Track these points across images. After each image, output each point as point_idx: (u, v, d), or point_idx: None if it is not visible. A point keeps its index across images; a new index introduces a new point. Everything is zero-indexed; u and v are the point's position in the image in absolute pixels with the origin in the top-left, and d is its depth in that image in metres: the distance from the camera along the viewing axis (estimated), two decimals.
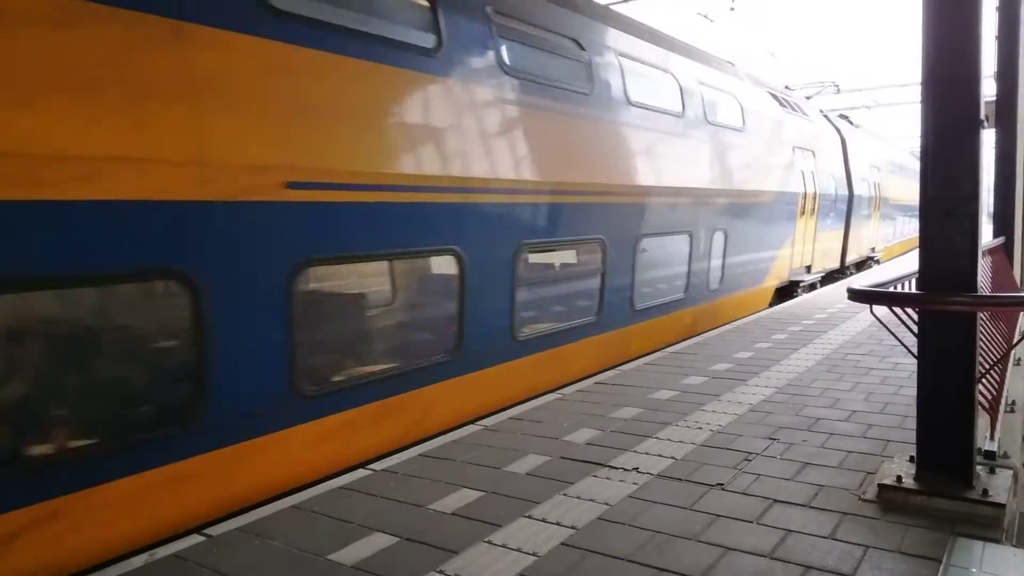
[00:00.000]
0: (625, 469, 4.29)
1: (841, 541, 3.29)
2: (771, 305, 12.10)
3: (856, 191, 16.88)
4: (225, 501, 4.10)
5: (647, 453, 4.55)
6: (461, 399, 5.73)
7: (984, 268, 5.79)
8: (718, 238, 10.04)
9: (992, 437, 4.11)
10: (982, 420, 4.00)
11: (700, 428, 5.03)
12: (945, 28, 3.51)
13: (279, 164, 4.29)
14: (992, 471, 3.78)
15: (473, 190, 5.70)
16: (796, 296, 12.94)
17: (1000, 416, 4.38)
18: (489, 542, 3.40)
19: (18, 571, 3.30)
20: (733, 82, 11.20)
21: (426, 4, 5.55)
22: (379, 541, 3.46)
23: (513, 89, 6.19)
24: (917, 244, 3.73)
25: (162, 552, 3.43)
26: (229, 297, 4.08)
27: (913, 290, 3.85)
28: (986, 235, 6.91)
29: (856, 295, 3.69)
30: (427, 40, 5.45)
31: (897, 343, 4.15)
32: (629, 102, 7.78)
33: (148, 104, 3.71)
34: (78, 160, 3.45)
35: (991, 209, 9.81)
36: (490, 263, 5.94)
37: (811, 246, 14.06)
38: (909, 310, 3.70)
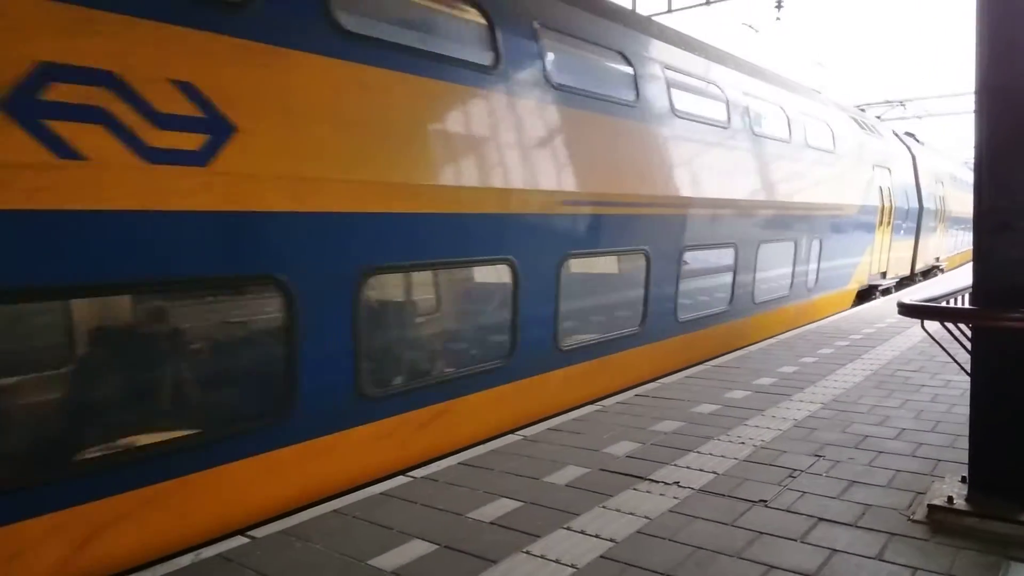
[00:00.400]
0: (666, 483, 4.25)
1: (888, 563, 3.21)
2: (852, 306, 13.67)
3: (925, 204, 18.12)
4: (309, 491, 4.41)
5: (688, 467, 4.50)
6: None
7: None
8: (815, 246, 11.65)
9: None
10: None
11: (743, 443, 4.96)
12: (1000, 36, 3.42)
13: (559, 189, 6.24)
14: None
15: (655, 204, 7.60)
16: (873, 299, 14.49)
17: None
18: (528, 552, 3.40)
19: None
20: (825, 109, 12.99)
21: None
22: (418, 548, 3.48)
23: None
24: None
25: (208, 552, 3.51)
26: (532, 274, 5.94)
27: (966, 305, 3.75)
28: None
29: (907, 310, 3.61)
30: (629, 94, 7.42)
31: (949, 360, 4.04)
32: (754, 134, 9.77)
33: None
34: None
35: None
36: (665, 258, 7.82)
37: (887, 254, 15.38)
38: (962, 325, 3.61)
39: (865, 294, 14.45)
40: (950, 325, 3.62)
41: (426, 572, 3.24)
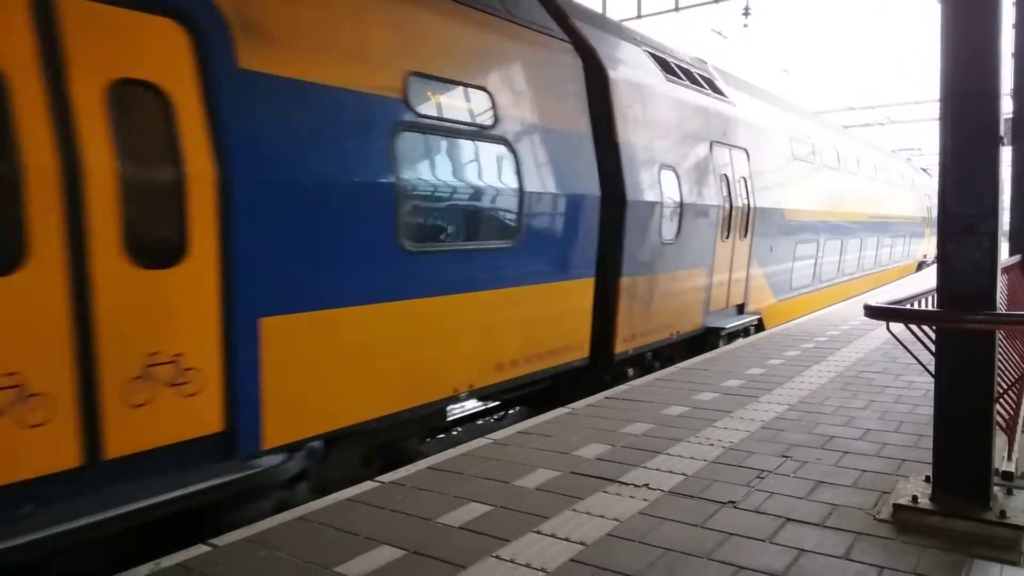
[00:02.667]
0: (636, 485, 4.24)
1: (855, 561, 3.23)
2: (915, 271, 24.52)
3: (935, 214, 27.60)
4: None
5: (658, 469, 4.51)
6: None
7: (1001, 286, 5.72)
8: (907, 231, 23.26)
9: (1010, 458, 4.05)
10: (1000, 440, 3.93)
11: (712, 445, 4.98)
12: (965, 43, 3.48)
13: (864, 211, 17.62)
14: (1010, 492, 3.71)
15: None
16: (924, 267, 25.86)
17: (1018, 436, 4.31)
18: (497, 557, 3.36)
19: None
20: (899, 162, 25.23)
21: None
22: (386, 554, 3.42)
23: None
24: None
25: (167, 562, 3.41)
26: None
27: (931, 307, 3.80)
28: (1002, 253, 6.86)
29: (873, 312, 3.64)
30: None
31: (912, 361, 4.09)
32: (881, 181, 20.27)
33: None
34: None
35: (1007, 227, 9.71)
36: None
37: (929, 243, 26.27)
38: (926, 328, 3.66)
39: (920, 266, 25.93)
40: (914, 327, 3.66)
41: None
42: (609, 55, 7.94)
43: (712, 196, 9.61)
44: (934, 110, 3.60)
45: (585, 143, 7.25)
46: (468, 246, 5.89)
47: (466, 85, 5.91)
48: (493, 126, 6.09)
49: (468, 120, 5.91)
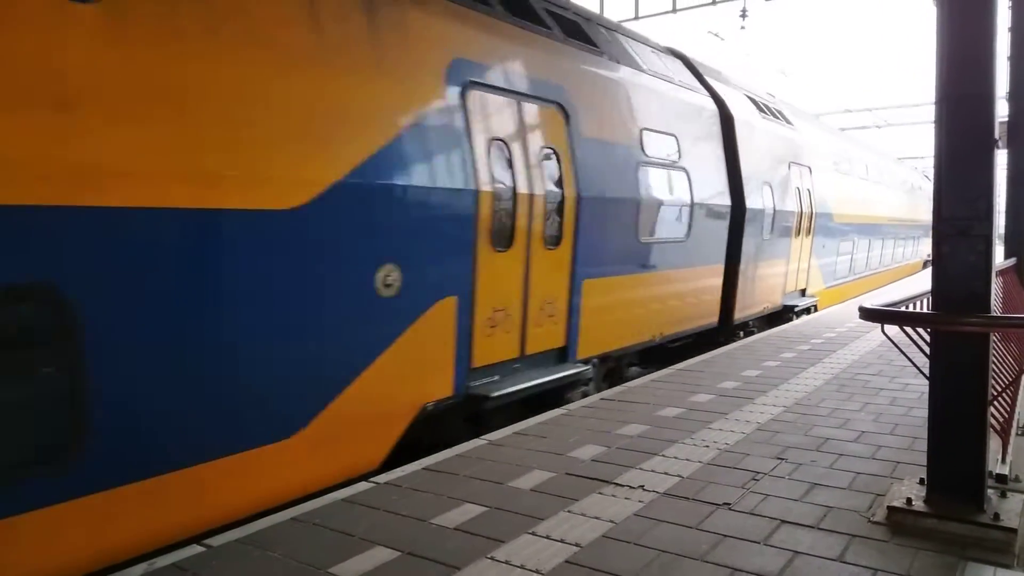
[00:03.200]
0: (631, 487, 4.24)
1: (850, 564, 3.24)
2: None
3: None
4: None
5: (653, 471, 4.51)
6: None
7: (995, 289, 5.74)
8: (918, 233, 25.50)
9: (1004, 460, 4.05)
10: (993, 443, 3.94)
11: (707, 446, 4.98)
12: (960, 46, 3.49)
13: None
14: (1004, 495, 3.72)
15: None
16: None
17: (1012, 439, 4.32)
18: (492, 558, 3.36)
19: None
20: (908, 170, 28.10)
21: None
22: (380, 555, 3.42)
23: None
24: None
25: (161, 562, 3.40)
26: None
27: (926, 310, 3.81)
28: (997, 256, 6.87)
29: (868, 314, 3.65)
30: None
31: (907, 364, 4.10)
32: (903, 190, 24.26)
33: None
34: None
35: (1002, 231, 9.74)
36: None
37: None
38: (921, 330, 3.66)
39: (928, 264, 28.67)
40: (909, 330, 3.67)
41: None
42: (730, 101, 10.88)
43: (791, 204, 12.62)
44: (930, 113, 3.61)
45: (723, 168, 10.38)
46: (668, 239, 8.96)
47: (665, 134, 8.90)
48: (679, 160, 9.10)
49: (667, 157, 8.89)
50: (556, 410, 6.09)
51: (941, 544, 3.40)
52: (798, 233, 13.06)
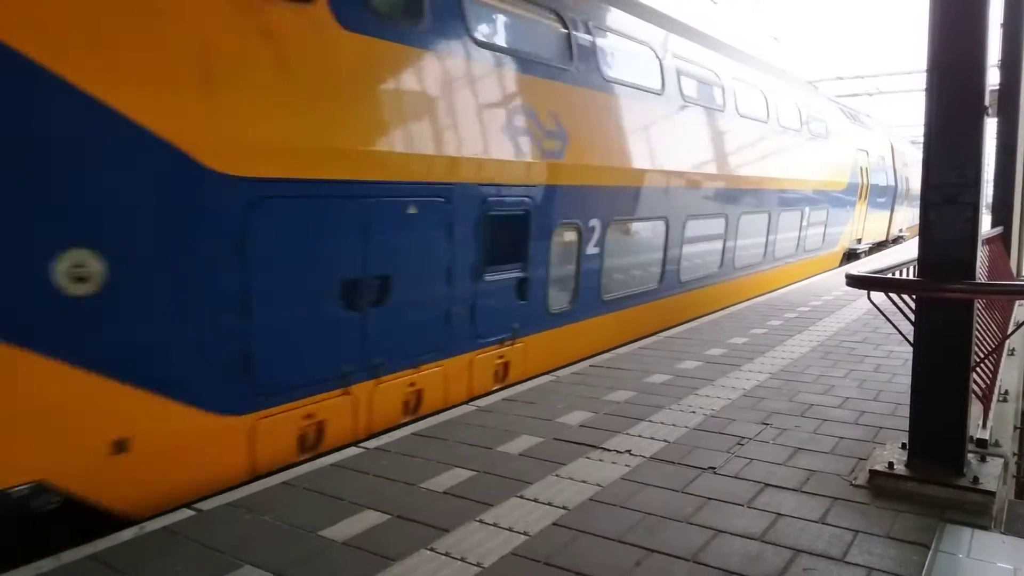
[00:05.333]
0: (618, 451, 4.29)
1: (831, 525, 3.30)
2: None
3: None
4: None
5: (640, 436, 4.56)
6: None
7: (981, 257, 5.79)
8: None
9: (984, 426, 4.12)
10: (975, 409, 4.00)
11: (693, 412, 5.04)
12: (952, 13, 3.46)
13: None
14: (983, 459, 3.78)
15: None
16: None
17: (993, 405, 4.39)
18: (480, 521, 3.40)
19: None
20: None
21: None
22: (370, 518, 3.46)
23: None
24: None
25: (152, 526, 3.43)
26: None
27: (912, 277, 3.83)
28: (984, 225, 6.92)
29: (854, 281, 3.67)
30: None
31: (891, 332, 4.14)
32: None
33: None
34: None
35: (989, 200, 9.79)
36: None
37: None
38: (907, 297, 3.69)
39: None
40: (895, 297, 3.70)
41: (378, 542, 3.22)
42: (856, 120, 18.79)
43: (855, 177, 17.19)
44: (922, 81, 3.59)
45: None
46: (883, 200, 20.39)
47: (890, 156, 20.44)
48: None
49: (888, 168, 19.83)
50: (544, 376, 6.12)
51: (921, 506, 3.46)
52: (864, 198, 18.26)
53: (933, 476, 3.58)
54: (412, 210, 5.16)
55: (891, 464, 3.72)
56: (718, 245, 10.25)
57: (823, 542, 3.14)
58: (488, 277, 5.96)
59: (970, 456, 3.70)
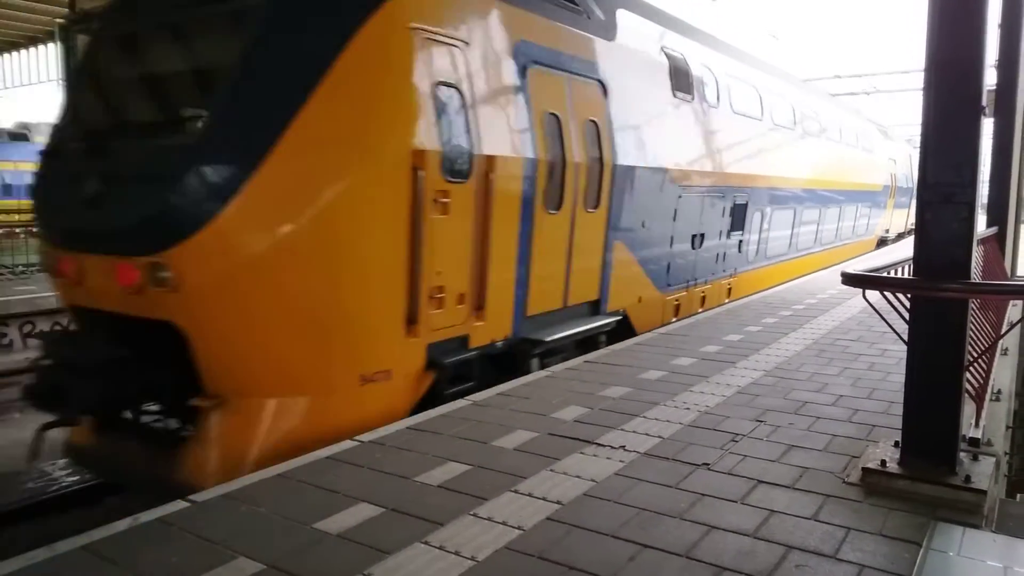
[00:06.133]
0: (612, 447, 4.30)
1: (824, 522, 3.32)
2: None
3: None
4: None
5: (635, 432, 4.57)
6: None
7: (976, 257, 5.81)
8: None
9: (977, 424, 4.14)
10: (968, 408, 4.02)
11: (688, 409, 5.05)
12: (951, 12, 3.47)
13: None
14: (975, 458, 3.81)
15: None
16: None
17: (986, 404, 4.41)
18: (475, 515, 3.41)
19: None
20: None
21: None
22: (365, 511, 3.46)
23: None
24: None
25: (146, 516, 3.43)
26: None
27: (907, 276, 3.84)
28: (979, 225, 6.95)
29: (850, 279, 3.68)
30: None
31: (887, 330, 4.15)
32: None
33: None
34: None
35: (984, 200, 9.82)
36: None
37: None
38: (901, 296, 3.70)
39: None
40: (890, 295, 3.71)
41: (372, 535, 3.22)
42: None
43: (887, 181, 21.52)
44: (919, 81, 3.60)
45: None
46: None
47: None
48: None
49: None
50: (539, 372, 6.13)
51: (913, 504, 3.48)
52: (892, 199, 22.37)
53: (926, 474, 3.60)
54: (720, 202, 10.20)
55: (884, 462, 3.74)
56: (814, 228, 15.25)
57: (815, 539, 3.16)
58: (730, 238, 10.78)
59: (962, 455, 3.72)
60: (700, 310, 9.88)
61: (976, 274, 5.81)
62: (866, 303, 3.82)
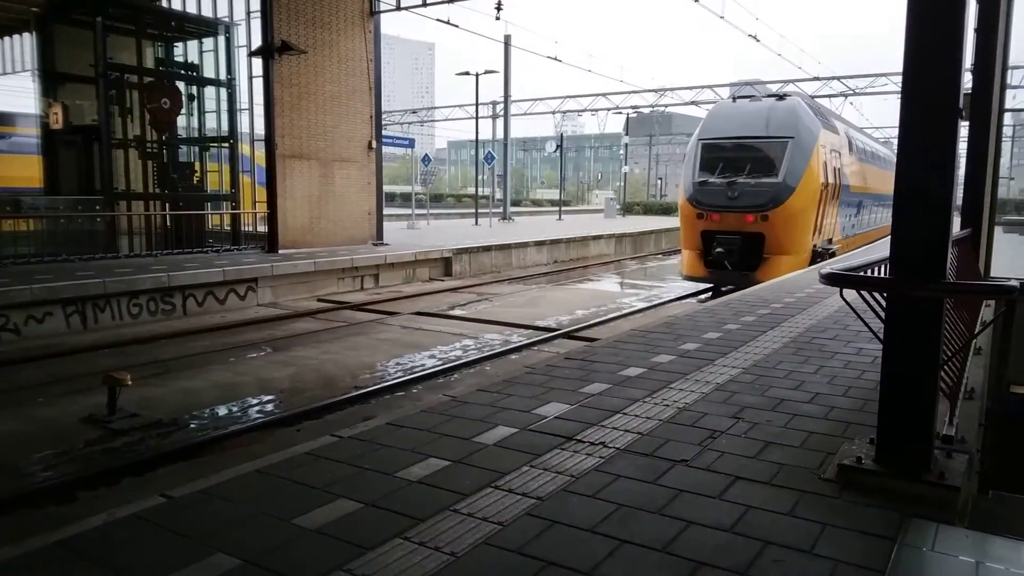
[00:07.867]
0: (592, 443, 4.32)
1: (800, 518, 3.36)
2: None
3: None
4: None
5: (614, 428, 4.59)
6: None
7: (951, 258, 5.89)
8: None
9: (951, 422, 4.21)
10: (942, 406, 4.08)
11: (667, 405, 5.08)
12: (929, 16, 3.51)
13: None
14: (949, 455, 3.87)
15: None
16: None
17: (959, 402, 4.48)
18: (455, 510, 3.40)
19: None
20: None
21: None
22: (344, 507, 3.45)
23: None
24: None
25: (121, 512, 3.38)
26: None
27: (884, 275, 3.89)
28: (954, 227, 7.05)
29: (828, 278, 3.72)
30: None
31: (862, 329, 4.21)
32: None
33: None
34: None
35: (959, 202, 9.96)
36: None
37: None
38: (878, 295, 3.75)
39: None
40: (867, 294, 3.75)
41: (351, 531, 3.21)
42: None
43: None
44: (897, 84, 3.64)
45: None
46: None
47: None
48: None
49: None
50: (521, 369, 6.14)
51: (888, 501, 3.53)
52: None
53: (900, 471, 3.65)
54: (856, 198, 23.30)
55: (859, 459, 3.79)
56: (879, 215, 27.37)
57: (792, 534, 3.19)
58: (859, 217, 24.27)
59: (937, 452, 3.78)
60: (857, 247, 22.05)
61: (951, 275, 5.90)
62: (843, 302, 3.86)
